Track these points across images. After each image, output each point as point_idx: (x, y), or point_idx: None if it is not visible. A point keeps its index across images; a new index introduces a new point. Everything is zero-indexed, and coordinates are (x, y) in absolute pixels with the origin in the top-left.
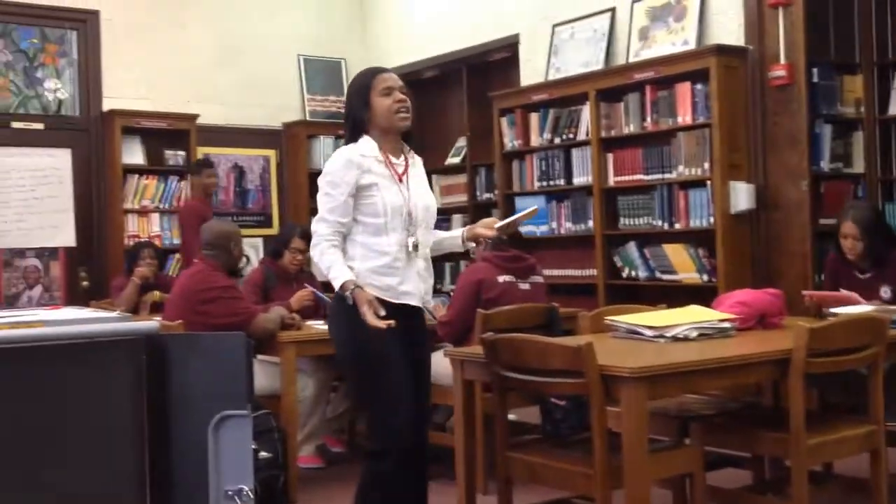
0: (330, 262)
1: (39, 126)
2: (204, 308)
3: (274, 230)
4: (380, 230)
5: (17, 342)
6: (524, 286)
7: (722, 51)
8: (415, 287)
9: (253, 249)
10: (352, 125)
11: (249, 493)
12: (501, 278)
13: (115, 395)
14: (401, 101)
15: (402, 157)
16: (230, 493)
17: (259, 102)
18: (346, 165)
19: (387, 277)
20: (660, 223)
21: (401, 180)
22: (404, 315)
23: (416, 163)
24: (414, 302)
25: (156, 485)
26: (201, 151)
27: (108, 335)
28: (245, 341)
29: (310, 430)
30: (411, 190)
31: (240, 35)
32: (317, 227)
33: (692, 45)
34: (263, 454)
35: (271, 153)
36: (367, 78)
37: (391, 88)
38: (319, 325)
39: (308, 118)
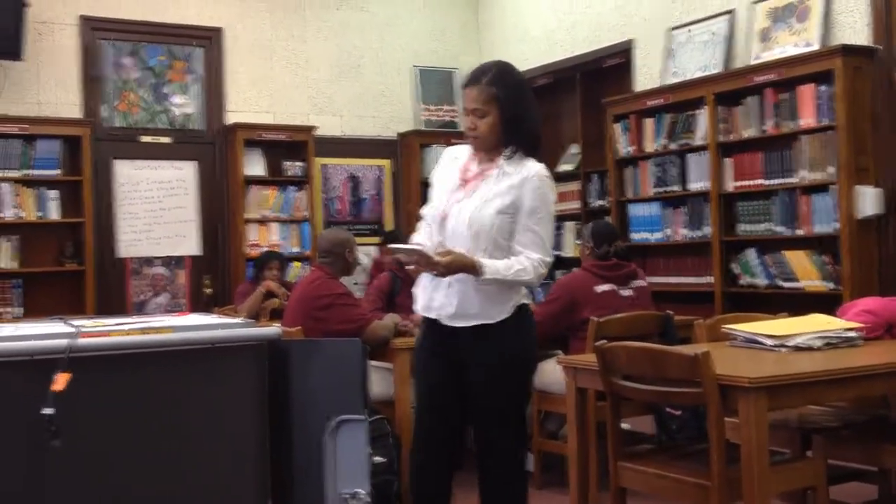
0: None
1: (167, 140)
2: (321, 314)
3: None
4: (430, 235)
5: (148, 347)
6: (626, 293)
7: (848, 51)
8: (435, 302)
9: (367, 257)
10: None
11: (365, 496)
12: (600, 288)
13: (239, 398)
14: (469, 129)
15: (487, 164)
16: (346, 495)
17: (374, 113)
18: (440, 162)
19: (419, 286)
20: (781, 229)
21: (463, 187)
22: (439, 331)
23: (508, 173)
24: (433, 316)
25: (276, 486)
26: (319, 162)
27: (233, 340)
28: (361, 347)
29: None
30: (466, 199)
31: (356, 48)
32: None
33: (816, 46)
34: (378, 459)
35: (386, 163)
36: (462, 88)
37: (466, 110)
38: None
39: (422, 128)
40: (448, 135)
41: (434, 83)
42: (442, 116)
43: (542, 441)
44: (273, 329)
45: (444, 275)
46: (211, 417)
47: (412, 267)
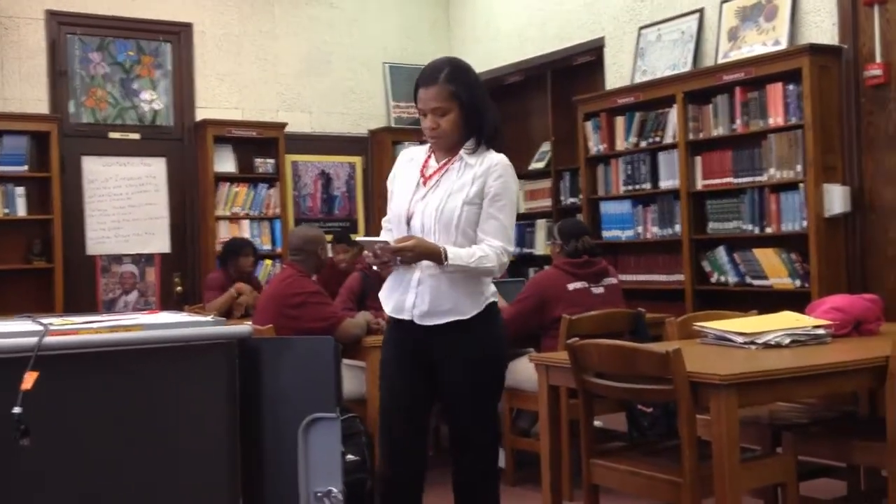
0: None
1: (136, 136)
2: (293, 313)
3: (360, 236)
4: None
5: (117, 345)
6: (597, 290)
7: (815, 50)
8: (407, 301)
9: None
10: None
11: (338, 494)
12: (572, 286)
13: (210, 397)
14: (429, 129)
15: (448, 159)
16: (319, 494)
17: (345, 110)
18: (395, 167)
19: (385, 289)
20: (750, 227)
21: (425, 184)
22: (410, 331)
23: (471, 164)
24: (402, 316)
25: (248, 485)
26: (289, 159)
27: (203, 339)
28: (334, 345)
29: None
30: (431, 194)
31: (326, 44)
32: None
33: (784, 45)
34: (350, 457)
35: (357, 160)
36: (415, 89)
37: (422, 111)
38: None
39: (393, 125)
40: (419, 132)
41: (405, 80)
42: (413, 114)
43: (515, 438)
44: (244, 327)
45: (411, 260)
46: (181, 416)
47: (376, 262)
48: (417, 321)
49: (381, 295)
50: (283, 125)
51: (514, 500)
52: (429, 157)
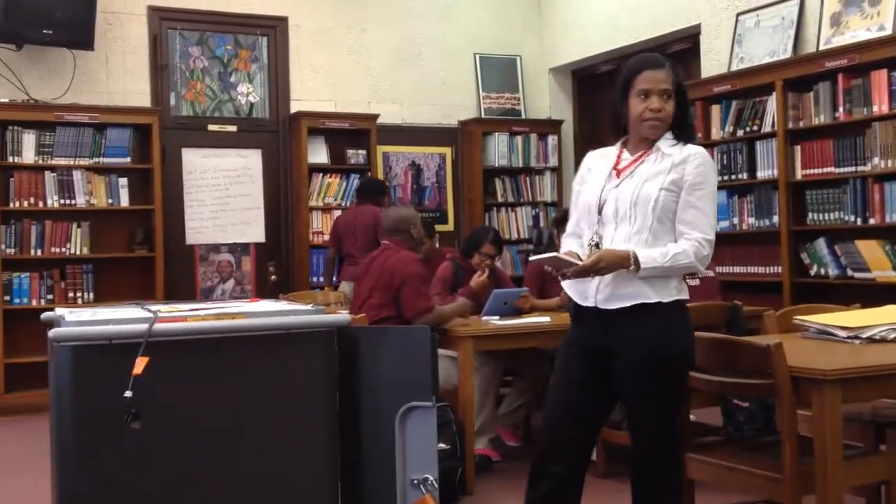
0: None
1: (233, 128)
2: (394, 292)
3: (449, 226)
4: (582, 230)
5: (223, 332)
6: (693, 282)
7: None
8: (587, 287)
9: None
10: (612, 121)
11: (434, 482)
12: None
13: (310, 384)
14: (654, 111)
15: (643, 151)
16: (416, 481)
17: (436, 101)
18: (582, 163)
19: (565, 281)
20: (852, 218)
21: (619, 175)
22: (591, 323)
23: (669, 154)
24: (587, 303)
25: (346, 471)
26: (380, 150)
27: (303, 327)
28: (431, 335)
29: (480, 423)
30: (625, 182)
31: (417, 36)
32: None
33: (889, 31)
34: (442, 446)
35: (447, 150)
36: (633, 72)
37: (649, 92)
38: (495, 321)
39: (483, 115)
40: (509, 122)
41: (495, 70)
42: (503, 104)
43: (607, 431)
44: (342, 316)
45: (604, 272)
46: (282, 403)
47: (558, 274)
48: (601, 306)
49: (566, 284)
50: (375, 116)
51: (606, 492)
52: (621, 152)
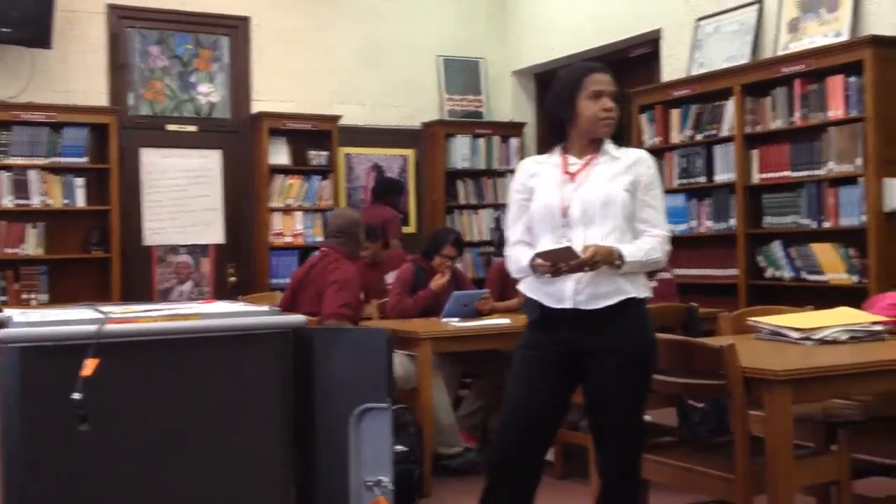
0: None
1: (193, 128)
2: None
3: (412, 228)
4: (535, 236)
5: (175, 333)
6: (651, 284)
7: (878, 42)
8: (563, 289)
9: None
10: (552, 126)
11: (388, 484)
12: None
13: (264, 386)
14: (608, 110)
15: (589, 156)
16: (369, 483)
17: (399, 103)
18: (517, 173)
19: (532, 283)
20: (807, 221)
21: (573, 179)
22: (565, 321)
23: (617, 157)
24: (563, 305)
25: (301, 473)
26: (343, 151)
27: (258, 328)
28: (386, 336)
29: (441, 425)
30: (582, 187)
31: (381, 37)
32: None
33: (845, 37)
34: (399, 448)
35: (409, 153)
36: (578, 76)
37: (601, 94)
38: (455, 322)
39: (446, 117)
40: (472, 125)
41: (458, 72)
42: (466, 106)
43: (564, 431)
44: (297, 317)
45: (597, 266)
46: (236, 404)
47: (550, 270)
48: (583, 307)
49: (528, 288)
50: (338, 118)
51: (564, 493)
52: (564, 157)
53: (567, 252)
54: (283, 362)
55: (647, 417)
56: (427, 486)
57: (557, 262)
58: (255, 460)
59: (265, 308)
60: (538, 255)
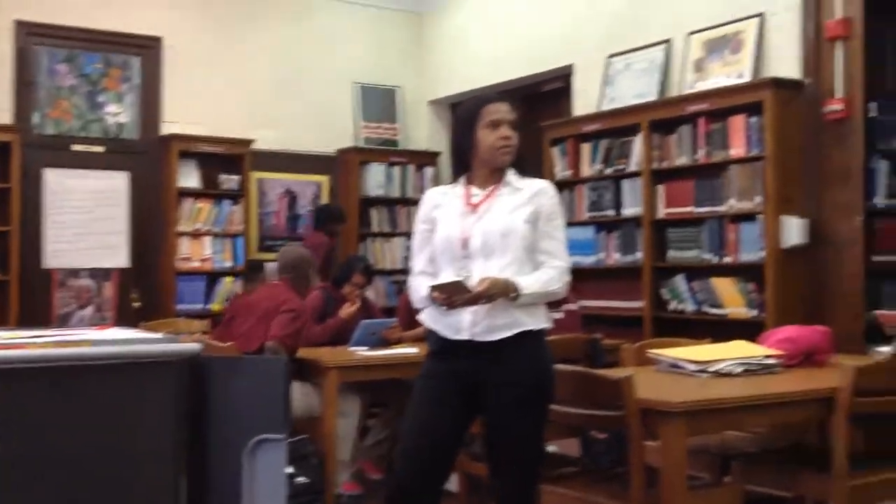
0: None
1: (100, 149)
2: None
3: None
4: (438, 267)
5: (62, 360)
6: (557, 315)
7: (778, 84)
8: (460, 321)
9: None
10: (455, 157)
11: None
12: None
13: (156, 416)
14: (505, 138)
15: (492, 186)
16: None
17: (314, 129)
18: (422, 204)
19: (432, 313)
20: (709, 256)
21: (475, 210)
22: (459, 355)
23: (519, 188)
24: (459, 337)
25: None
26: (255, 176)
27: (150, 356)
28: (284, 365)
29: (345, 456)
30: (486, 216)
31: (297, 62)
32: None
33: (748, 78)
34: (301, 479)
35: (324, 179)
36: (475, 108)
37: (499, 123)
38: (363, 351)
39: (362, 144)
40: (388, 153)
41: (375, 100)
42: (382, 134)
43: (469, 462)
44: (193, 345)
45: (491, 300)
46: (123, 435)
47: (446, 302)
48: (479, 338)
49: (428, 318)
50: (250, 142)
51: None
52: (467, 188)
53: (459, 286)
54: (177, 391)
55: (552, 448)
56: None
57: (452, 295)
58: (144, 494)
59: (159, 335)
60: (433, 287)
